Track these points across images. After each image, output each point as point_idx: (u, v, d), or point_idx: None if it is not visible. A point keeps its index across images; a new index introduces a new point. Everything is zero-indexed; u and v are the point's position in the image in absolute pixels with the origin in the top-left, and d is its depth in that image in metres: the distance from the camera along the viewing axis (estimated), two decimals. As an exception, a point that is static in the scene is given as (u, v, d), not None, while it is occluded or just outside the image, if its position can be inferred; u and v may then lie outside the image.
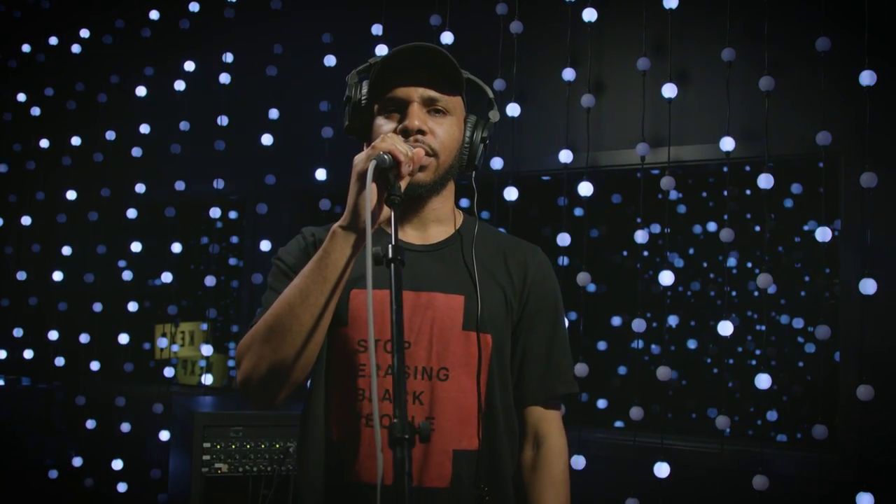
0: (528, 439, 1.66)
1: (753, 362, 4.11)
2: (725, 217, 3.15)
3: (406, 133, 1.52)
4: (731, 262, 3.42)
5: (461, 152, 1.62)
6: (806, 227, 4.07)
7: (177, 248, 4.31)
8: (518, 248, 1.70)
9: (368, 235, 1.24)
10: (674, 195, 4.08)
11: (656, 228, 3.66)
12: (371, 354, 1.09)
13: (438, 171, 1.57)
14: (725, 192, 3.33)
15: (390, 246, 1.25)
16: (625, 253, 4.33)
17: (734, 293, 4.07)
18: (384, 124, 1.57)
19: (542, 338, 1.65)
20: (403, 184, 1.39)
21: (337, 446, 1.55)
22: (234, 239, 4.98)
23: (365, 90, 1.62)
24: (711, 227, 4.28)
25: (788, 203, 3.99)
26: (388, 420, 1.43)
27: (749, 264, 4.14)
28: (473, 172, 1.66)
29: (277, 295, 1.48)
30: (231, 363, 4.73)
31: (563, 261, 3.42)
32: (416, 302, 1.55)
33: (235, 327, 4.77)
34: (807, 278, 4.09)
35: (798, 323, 4.00)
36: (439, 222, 1.66)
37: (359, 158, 1.39)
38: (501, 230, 1.82)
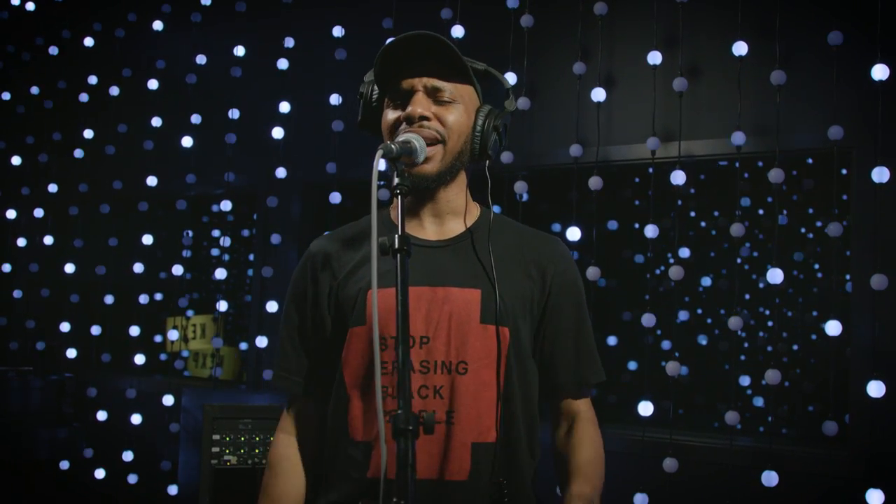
0: (562, 419, 1.68)
1: (763, 358, 4.09)
2: (738, 213, 3.13)
3: (409, 121, 1.52)
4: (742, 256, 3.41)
5: (472, 140, 1.59)
6: (818, 223, 4.05)
7: (187, 240, 4.33)
8: (537, 240, 1.70)
9: (374, 224, 1.24)
10: (684, 190, 4.06)
11: (667, 223, 3.64)
12: (375, 349, 1.09)
13: (446, 158, 1.56)
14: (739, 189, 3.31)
15: (397, 236, 1.25)
16: (635, 247, 4.32)
17: (745, 288, 4.05)
18: (391, 115, 1.58)
19: (570, 328, 1.65)
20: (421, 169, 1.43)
21: (359, 443, 1.56)
22: (245, 232, 4.99)
23: (377, 87, 1.62)
24: (722, 221, 4.26)
25: (799, 198, 3.98)
26: None
27: (759, 258, 4.12)
28: (487, 162, 1.64)
29: (288, 331, 1.68)
30: (240, 357, 4.75)
31: (574, 255, 3.41)
32: (433, 297, 1.54)
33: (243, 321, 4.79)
34: (818, 274, 4.07)
35: (809, 319, 3.98)
36: (455, 215, 1.65)
37: None
38: (518, 224, 1.80)
